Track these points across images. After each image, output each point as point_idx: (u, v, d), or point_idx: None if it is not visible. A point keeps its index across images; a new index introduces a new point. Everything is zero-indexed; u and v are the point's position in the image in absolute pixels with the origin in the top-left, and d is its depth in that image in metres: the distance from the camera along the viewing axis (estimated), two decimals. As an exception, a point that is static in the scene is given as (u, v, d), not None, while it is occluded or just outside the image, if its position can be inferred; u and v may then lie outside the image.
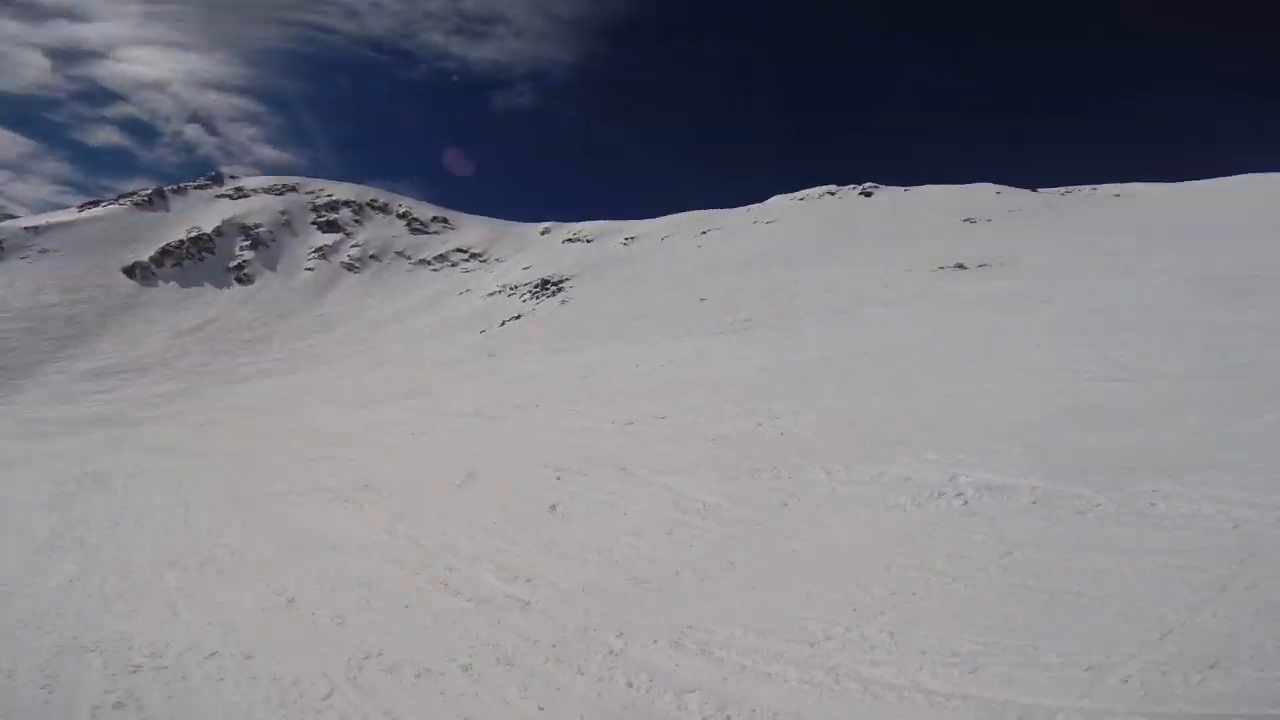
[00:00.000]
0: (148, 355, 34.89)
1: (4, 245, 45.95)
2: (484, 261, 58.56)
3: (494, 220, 72.24)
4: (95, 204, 59.90)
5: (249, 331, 39.29)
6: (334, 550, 5.94)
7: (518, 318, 35.03)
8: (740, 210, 54.72)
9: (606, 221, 61.89)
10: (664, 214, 58.15)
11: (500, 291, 46.30)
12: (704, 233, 47.51)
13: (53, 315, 36.92)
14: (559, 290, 41.26)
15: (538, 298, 40.67)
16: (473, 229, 67.35)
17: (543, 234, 65.96)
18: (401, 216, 68.53)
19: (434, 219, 69.07)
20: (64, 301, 38.81)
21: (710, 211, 56.47)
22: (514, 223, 72.09)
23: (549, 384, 13.27)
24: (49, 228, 50.19)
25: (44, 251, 45.58)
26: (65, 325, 36.19)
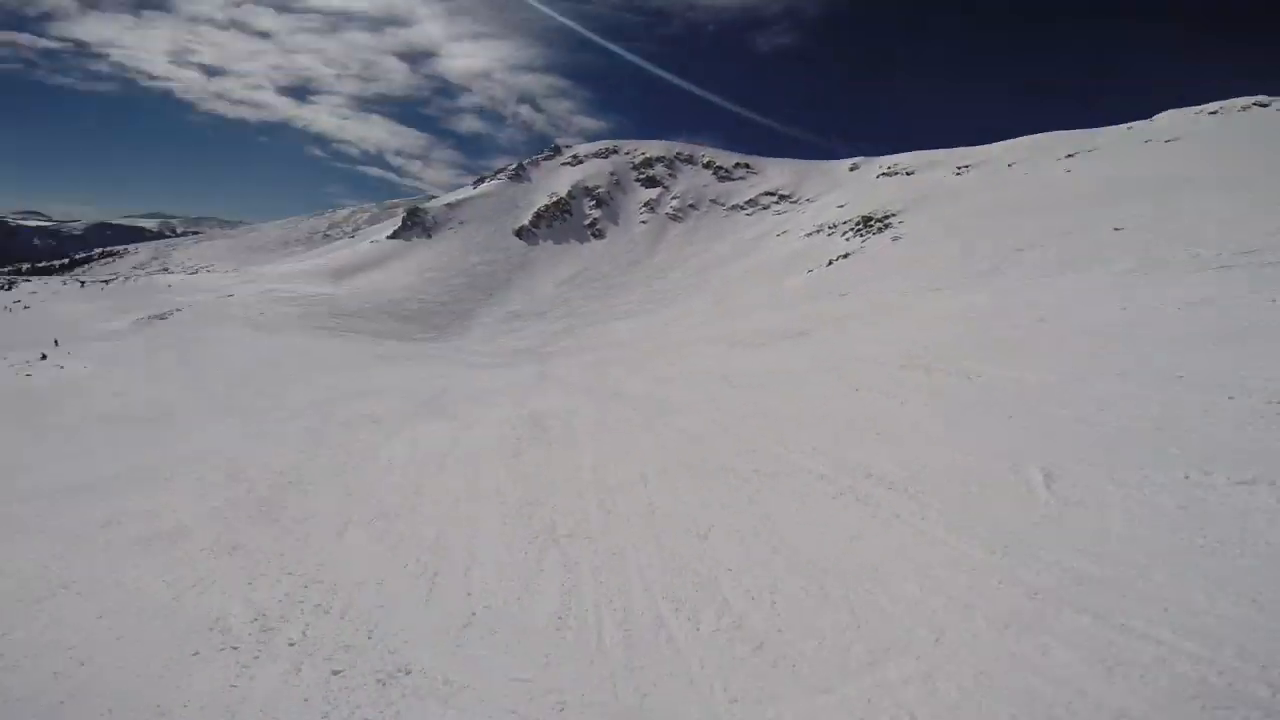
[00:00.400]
0: (542, 302, 43.76)
1: (436, 221, 61.62)
2: (794, 203, 58.76)
3: (795, 161, 71.47)
4: (483, 180, 76.09)
5: (609, 280, 46.73)
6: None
7: (845, 257, 34.54)
8: (1116, 129, 44.63)
9: (926, 152, 56.46)
10: (934, 146, 50.63)
11: (818, 231, 45.99)
12: (1069, 155, 40.12)
13: (478, 272, 48.81)
14: (885, 226, 39.38)
15: (862, 235, 39.46)
16: (776, 171, 67.66)
17: (851, 170, 63.17)
18: (707, 166, 72.16)
19: (736, 165, 71.15)
20: (483, 261, 51.00)
21: (1071, 132, 47.18)
22: (817, 161, 70.47)
23: (989, 328, 11.93)
24: (460, 203, 65.54)
25: (462, 223, 59.93)
26: (488, 279, 47.59)
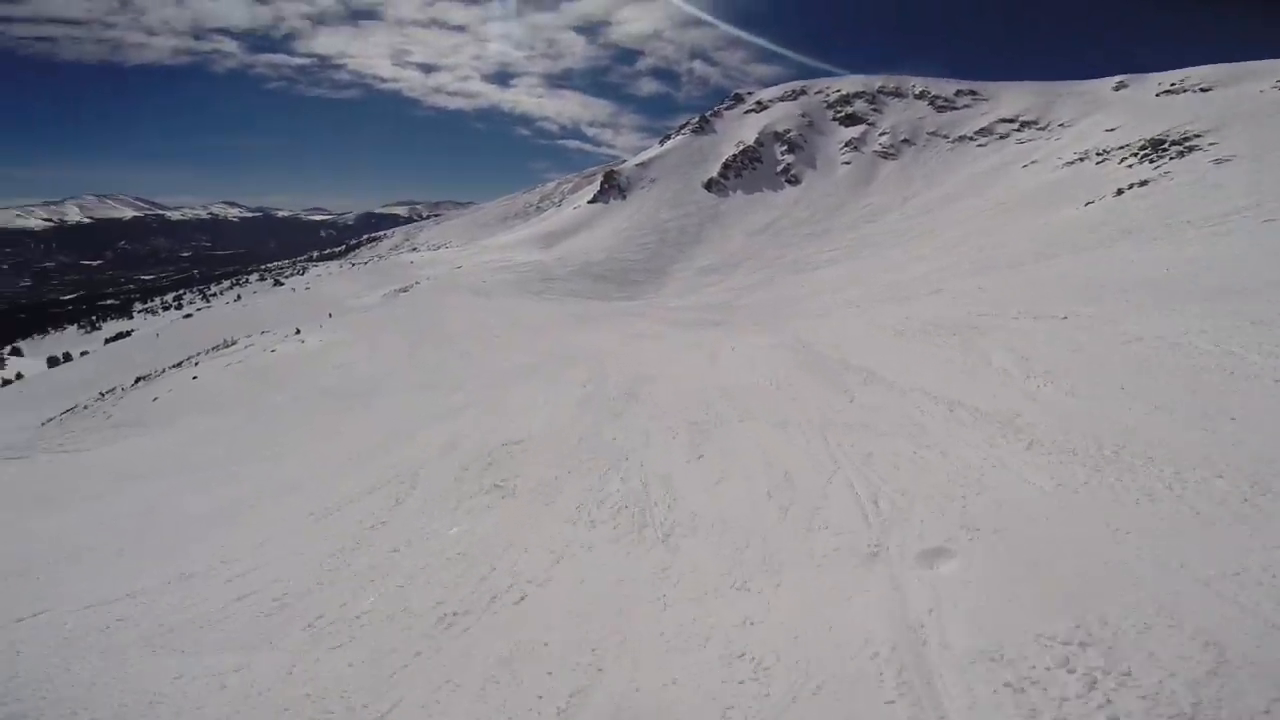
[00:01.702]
0: (735, 254, 41.47)
1: (629, 181, 61.86)
2: (1042, 129, 49.16)
3: (1036, 84, 59.93)
4: (668, 137, 74.95)
5: (807, 227, 42.82)
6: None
7: (1143, 184, 27.06)
8: None
9: (1226, 65, 43.98)
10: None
11: (1081, 159, 37.83)
12: None
13: (670, 228, 47.84)
14: (1188, 150, 30.67)
15: (1153, 161, 31.05)
16: (1012, 96, 57.14)
17: (1117, 89, 51.18)
18: (920, 96, 63.19)
19: (959, 93, 61.42)
20: (674, 216, 49.93)
21: None
22: (1065, 82, 58.21)
23: None
24: (649, 162, 65.12)
25: (653, 181, 59.41)
26: (679, 235, 46.43)
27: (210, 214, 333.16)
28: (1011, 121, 52.66)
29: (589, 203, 61.03)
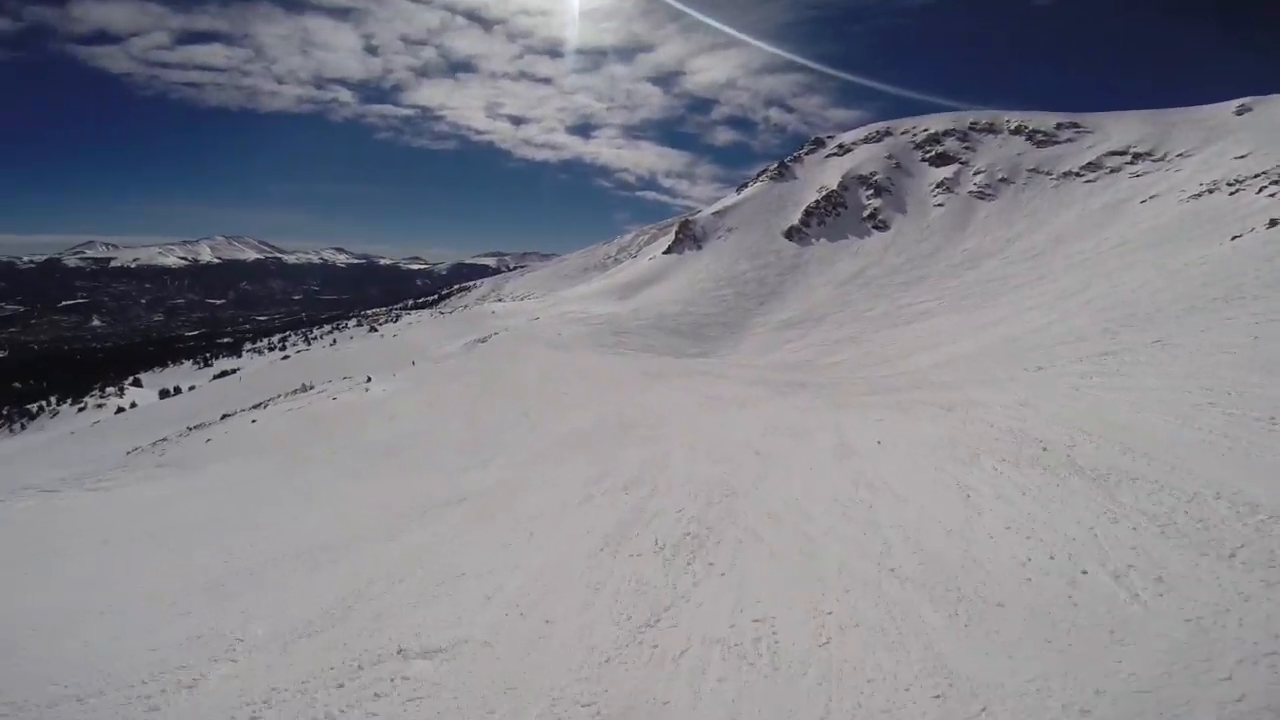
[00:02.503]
0: (819, 306, 39.13)
1: (705, 230, 61.13)
2: (1158, 160, 44.38)
3: (1145, 112, 54.68)
4: (745, 186, 74.07)
5: (900, 275, 39.93)
6: None
7: (1309, 213, 23.08)
8: None
9: None
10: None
11: (1212, 190, 33.44)
12: None
13: (748, 280, 46.24)
14: None
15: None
16: (1121, 127, 52.38)
17: (1239, 113, 45.79)
18: (1017, 132, 59.16)
19: (1059, 126, 57.03)
20: (753, 267, 48.32)
21: None
22: (1178, 109, 52.83)
23: None
24: (726, 210, 64.27)
25: (730, 230, 58.34)
26: (758, 286, 44.67)
27: (321, 259, 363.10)
28: (1122, 154, 47.87)
29: (664, 253, 60.63)
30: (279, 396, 25.39)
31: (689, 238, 60.45)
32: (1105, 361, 10.09)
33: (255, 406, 23.64)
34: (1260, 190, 30.04)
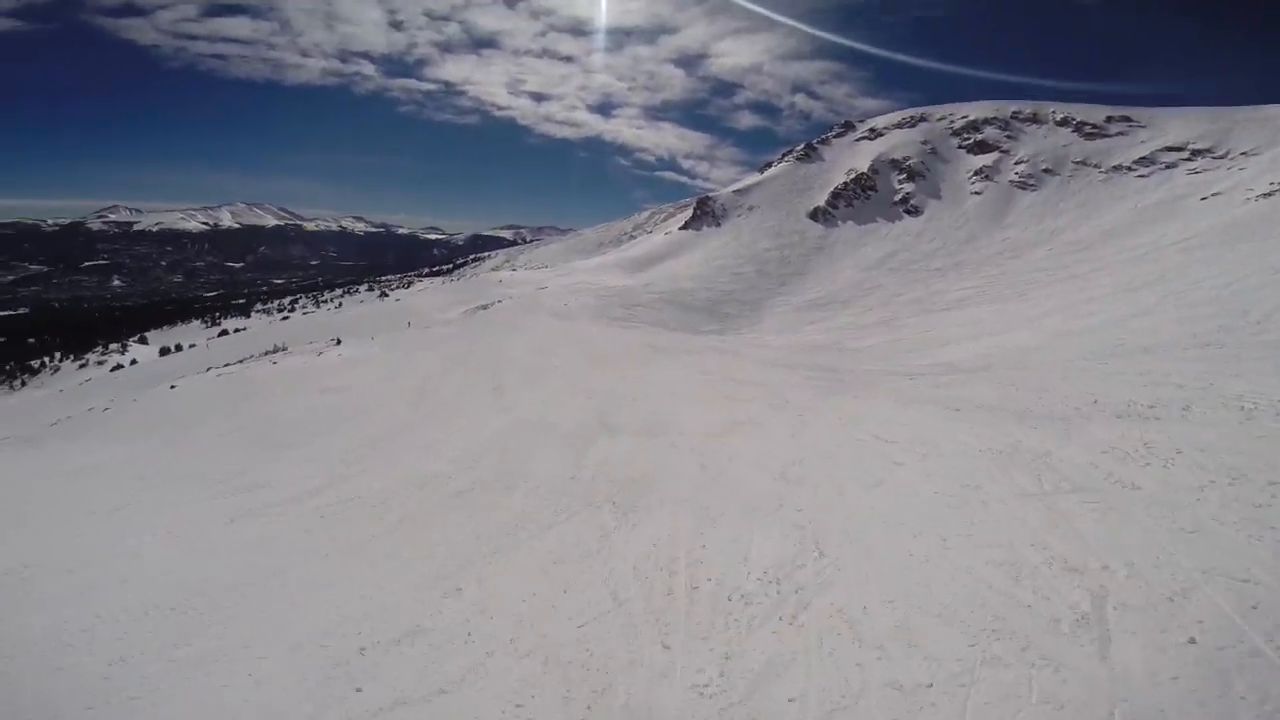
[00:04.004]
0: (845, 289, 36.84)
1: (725, 208, 58.62)
2: (1219, 158, 41.53)
3: (1205, 110, 51.57)
4: (769, 165, 71.25)
5: (934, 261, 37.52)
6: None
7: None
8: None
9: None
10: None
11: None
12: None
13: (770, 258, 43.92)
14: None
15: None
16: (1178, 123, 49.32)
17: None
18: (1063, 123, 56.02)
19: (1110, 119, 53.86)
20: (775, 246, 45.95)
21: None
22: (1240, 108, 49.68)
23: None
24: (748, 189, 61.66)
25: (751, 208, 55.83)
26: (780, 266, 42.36)
27: (340, 227, 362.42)
28: (1179, 150, 44.90)
29: (680, 229, 58.24)
30: (251, 357, 23.47)
31: (708, 214, 57.99)
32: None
33: (206, 370, 21.64)
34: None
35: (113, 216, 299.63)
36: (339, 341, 22.58)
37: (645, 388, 12.81)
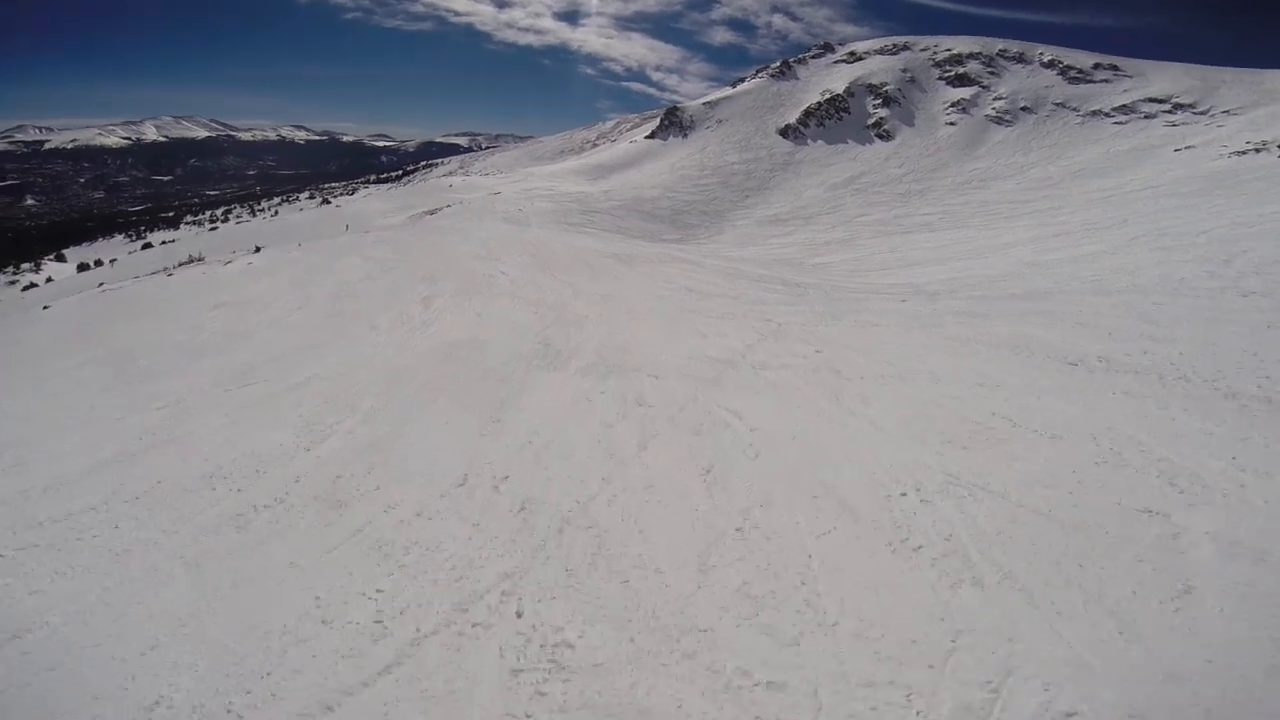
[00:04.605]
0: (809, 206, 35.37)
1: (693, 119, 55.31)
2: (1201, 113, 41.14)
3: (1194, 66, 50.88)
4: (742, 80, 67.44)
5: (900, 185, 36.21)
6: None
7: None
8: None
9: None
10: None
11: (1260, 150, 30.86)
12: None
13: (735, 171, 41.69)
14: None
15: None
16: (1164, 76, 48.59)
17: None
18: (1049, 65, 54.48)
19: (1097, 66, 52.59)
20: (741, 160, 43.61)
21: None
22: (1229, 68, 49.24)
23: None
24: (718, 102, 58.25)
25: (720, 121, 52.81)
26: (745, 179, 40.26)
27: (279, 136, 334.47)
28: (1161, 102, 44.27)
29: (646, 138, 54.85)
30: (165, 270, 20.17)
31: (675, 125, 54.69)
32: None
33: (100, 285, 18.38)
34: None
35: (19, 137, 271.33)
36: (258, 250, 19.64)
37: (602, 301, 11.04)
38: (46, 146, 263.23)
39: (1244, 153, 30.67)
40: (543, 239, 22.54)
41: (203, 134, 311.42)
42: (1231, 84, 44.39)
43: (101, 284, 19.66)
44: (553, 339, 8.38)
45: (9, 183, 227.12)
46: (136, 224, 77.86)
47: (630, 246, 23.96)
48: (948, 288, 13.25)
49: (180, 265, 20.65)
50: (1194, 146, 34.21)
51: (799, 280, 16.20)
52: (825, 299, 11.97)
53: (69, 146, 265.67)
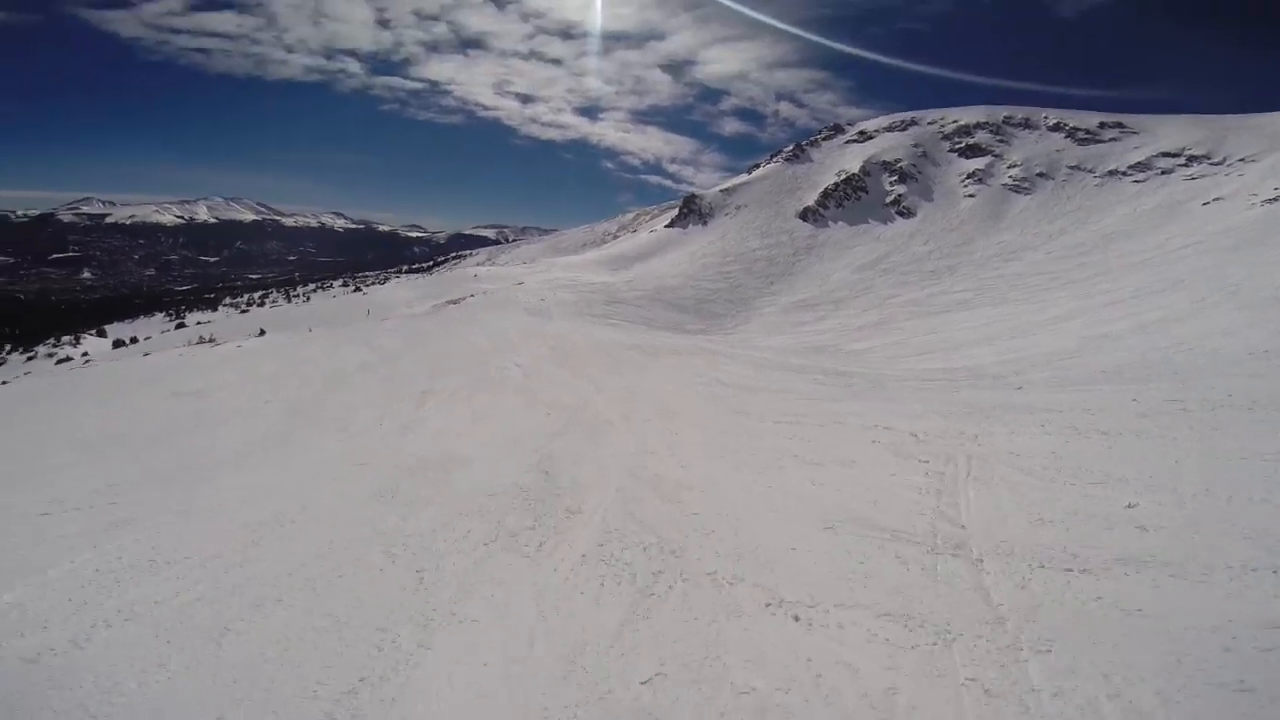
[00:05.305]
0: (837, 290, 35.29)
1: (712, 207, 56.99)
2: (1217, 164, 40.96)
3: (1199, 117, 51.47)
4: (757, 165, 69.84)
5: (928, 263, 36.12)
6: None
7: None
8: None
9: None
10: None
11: None
12: None
13: (758, 257, 42.29)
14: None
15: None
16: (1172, 130, 48.92)
17: None
18: (1056, 128, 55.37)
19: (1103, 125, 53.25)
20: (763, 245, 44.35)
21: None
22: (1233, 116, 49.55)
23: None
24: (735, 189, 60.12)
25: (739, 208, 54.26)
26: (768, 265, 40.74)
27: (320, 223, 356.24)
28: (1175, 155, 44.28)
29: (666, 227, 56.51)
30: (185, 347, 21.17)
31: (694, 213, 56.33)
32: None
33: (85, 359, 19.31)
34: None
35: (85, 208, 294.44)
36: (261, 333, 20.31)
37: (627, 403, 9.45)
38: (108, 220, 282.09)
39: (1276, 199, 30.10)
40: (563, 330, 22.21)
41: (250, 217, 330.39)
42: (1237, 130, 44.32)
43: (87, 358, 20.18)
44: (558, 461, 6.40)
45: (71, 254, 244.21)
46: (179, 303, 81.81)
47: (654, 338, 23.50)
48: (1012, 369, 12.44)
49: (190, 344, 21.18)
50: (1222, 198, 33.73)
51: (842, 369, 15.19)
52: (914, 397, 9.12)
53: (128, 222, 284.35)
